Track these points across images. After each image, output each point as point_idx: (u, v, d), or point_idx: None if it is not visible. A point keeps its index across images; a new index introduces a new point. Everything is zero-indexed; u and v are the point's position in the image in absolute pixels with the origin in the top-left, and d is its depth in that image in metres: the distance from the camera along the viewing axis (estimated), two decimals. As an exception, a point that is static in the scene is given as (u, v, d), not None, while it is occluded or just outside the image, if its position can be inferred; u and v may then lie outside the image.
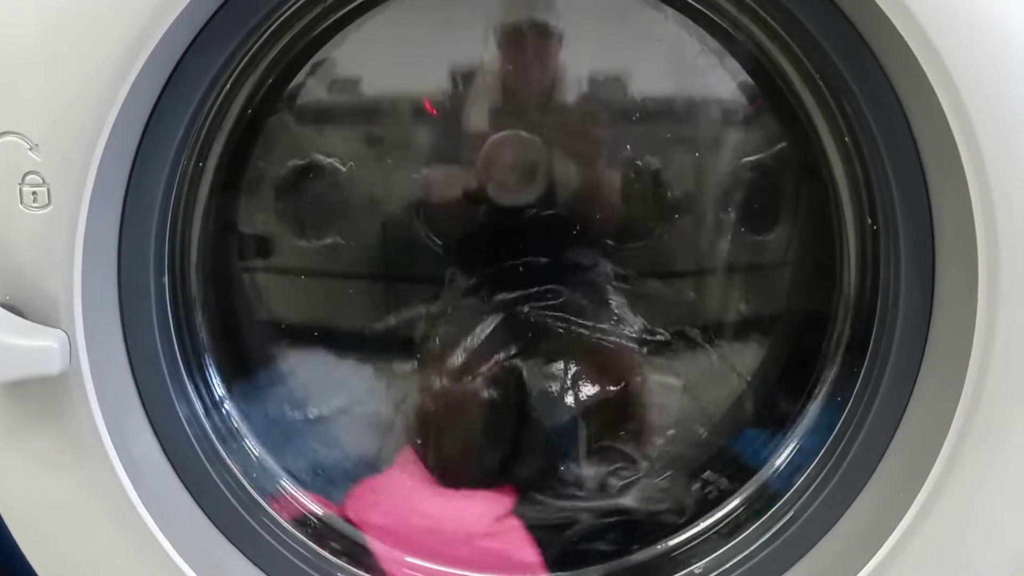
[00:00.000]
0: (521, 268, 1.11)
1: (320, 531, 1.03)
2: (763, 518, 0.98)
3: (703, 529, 1.04)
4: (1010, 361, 0.79)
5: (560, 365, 1.13)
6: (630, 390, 1.12)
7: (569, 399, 1.13)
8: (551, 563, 1.04)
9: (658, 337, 1.11)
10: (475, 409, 1.12)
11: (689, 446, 1.12)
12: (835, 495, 0.92)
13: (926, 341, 0.87)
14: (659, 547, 1.05)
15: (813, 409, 1.02)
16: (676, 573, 1.01)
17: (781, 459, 1.03)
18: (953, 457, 0.81)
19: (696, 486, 1.08)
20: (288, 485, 1.04)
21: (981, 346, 0.79)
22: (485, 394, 1.12)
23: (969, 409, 0.80)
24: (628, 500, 1.09)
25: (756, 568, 0.95)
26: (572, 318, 1.11)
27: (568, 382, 1.13)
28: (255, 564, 0.93)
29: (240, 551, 0.92)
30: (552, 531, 1.08)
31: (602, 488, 1.10)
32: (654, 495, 1.09)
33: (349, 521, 1.05)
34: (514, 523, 1.06)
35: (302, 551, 0.96)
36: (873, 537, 0.86)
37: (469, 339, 1.11)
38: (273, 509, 0.98)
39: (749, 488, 1.04)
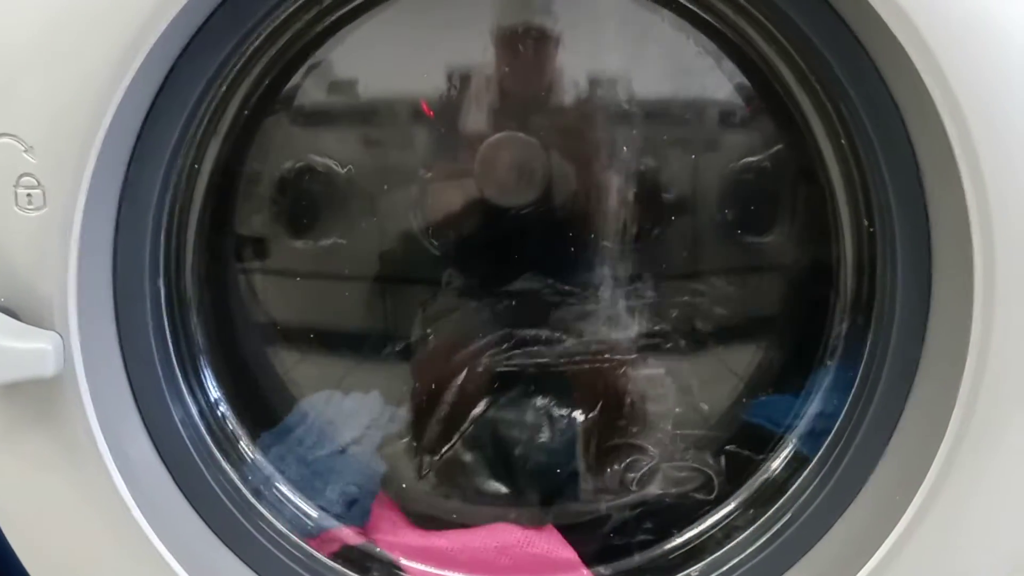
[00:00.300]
0: (518, 269, 1.11)
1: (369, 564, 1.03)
2: (760, 521, 0.98)
3: (699, 532, 1.04)
4: (1006, 363, 0.79)
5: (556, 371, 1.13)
6: (623, 388, 1.12)
7: (564, 408, 1.13)
8: (589, 559, 1.04)
9: (655, 339, 1.11)
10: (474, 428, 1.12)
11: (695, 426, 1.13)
12: (832, 498, 0.91)
13: (922, 343, 0.87)
14: (656, 551, 1.05)
15: (809, 411, 1.02)
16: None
17: (778, 461, 1.03)
18: (950, 459, 0.81)
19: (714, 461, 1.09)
20: (284, 488, 1.04)
21: (977, 348, 0.79)
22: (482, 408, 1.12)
23: (966, 411, 0.80)
24: (651, 489, 1.09)
25: (753, 571, 0.95)
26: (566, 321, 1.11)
27: (562, 390, 1.13)
28: (250, 567, 0.92)
29: (235, 553, 0.92)
30: (585, 529, 1.08)
31: (621, 484, 1.10)
32: (675, 479, 1.09)
33: (378, 544, 1.04)
34: (547, 527, 1.06)
35: (297, 554, 0.96)
36: (870, 540, 0.86)
37: (463, 349, 1.11)
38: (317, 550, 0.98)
39: (746, 491, 1.04)
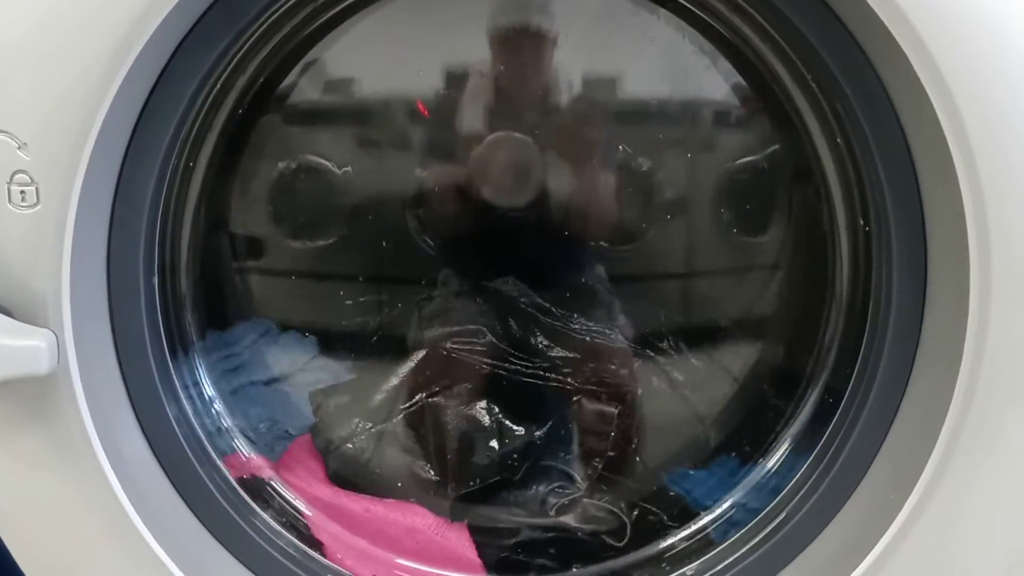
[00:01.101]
0: (514, 269, 1.11)
1: (269, 499, 1.02)
2: (754, 520, 0.97)
3: (693, 532, 1.04)
4: (1001, 363, 0.79)
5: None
6: (573, 414, 1.13)
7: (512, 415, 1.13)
8: (489, 567, 1.04)
9: (650, 339, 1.11)
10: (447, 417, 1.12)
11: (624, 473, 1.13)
12: (826, 497, 0.91)
13: (918, 342, 0.87)
14: (650, 551, 1.05)
15: (805, 410, 1.02)
16: (668, 576, 1.01)
17: (772, 461, 1.03)
18: (945, 459, 0.81)
19: (636, 514, 1.09)
20: (279, 487, 1.03)
21: (973, 347, 0.79)
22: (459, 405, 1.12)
23: (961, 411, 0.80)
24: (567, 519, 1.09)
25: (746, 571, 0.94)
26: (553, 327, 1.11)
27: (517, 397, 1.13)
28: (244, 565, 0.92)
29: (229, 552, 0.92)
30: (494, 536, 1.08)
31: (541, 505, 1.10)
32: (592, 516, 1.09)
33: (289, 486, 1.04)
34: (460, 525, 1.06)
35: (292, 552, 0.96)
36: (864, 539, 0.86)
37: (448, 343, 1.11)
38: (226, 469, 0.97)
39: (740, 491, 1.04)
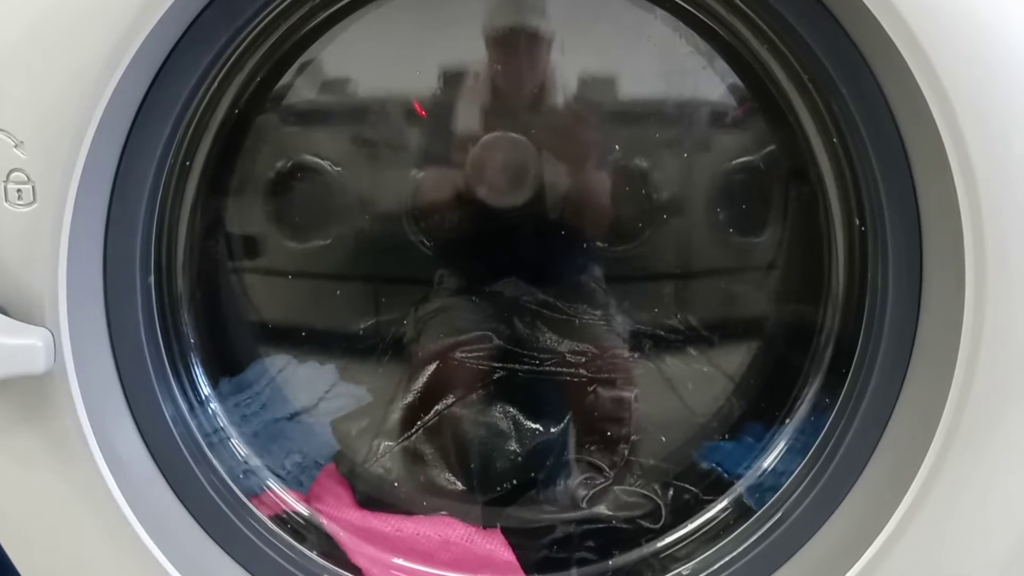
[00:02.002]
0: (510, 269, 1.11)
1: (305, 532, 1.02)
2: (751, 520, 0.97)
3: (690, 531, 1.04)
4: (997, 362, 0.79)
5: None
6: (590, 405, 1.13)
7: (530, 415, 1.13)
8: (528, 567, 1.04)
9: (646, 339, 1.11)
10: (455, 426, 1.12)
11: (671, 450, 1.13)
12: (823, 497, 0.91)
13: (913, 341, 0.87)
14: (646, 550, 1.05)
15: (801, 410, 1.02)
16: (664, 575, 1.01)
17: (769, 460, 1.03)
18: (941, 457, 0.81)
19: (670, 493, 1.09)
20: (274, 485, 1.03)
21: (968, 346, 0.79)
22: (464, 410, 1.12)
23: (957, 409, 0.80)
24: (600, 508, 1.09)
25: (743, 570, 0.94)
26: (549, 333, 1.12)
27: (532, 397, 1.13)
28: (240, 564, 0.92)
29: (225, 551, 0.92)
30: (530, 536, 1.08)
31: (572, 499, 1.10)
32: (625, 503, 1.09)
33: (320, 515, 1.04)
34: (493, 530, 1.06)
35: (287, 551, 0.96)
36: (861, 539, 0.86)
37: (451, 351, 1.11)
38: (258, 508, 0.97)
39: (736, 490, 1.04)
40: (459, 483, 1.11)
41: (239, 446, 1.03)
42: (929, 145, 0.77)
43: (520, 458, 1.11)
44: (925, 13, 0.74)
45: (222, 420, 1.02)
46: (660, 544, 1.05)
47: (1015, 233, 0.76)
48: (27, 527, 0.85)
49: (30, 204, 0.76)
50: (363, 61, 1.06)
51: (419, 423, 1.11)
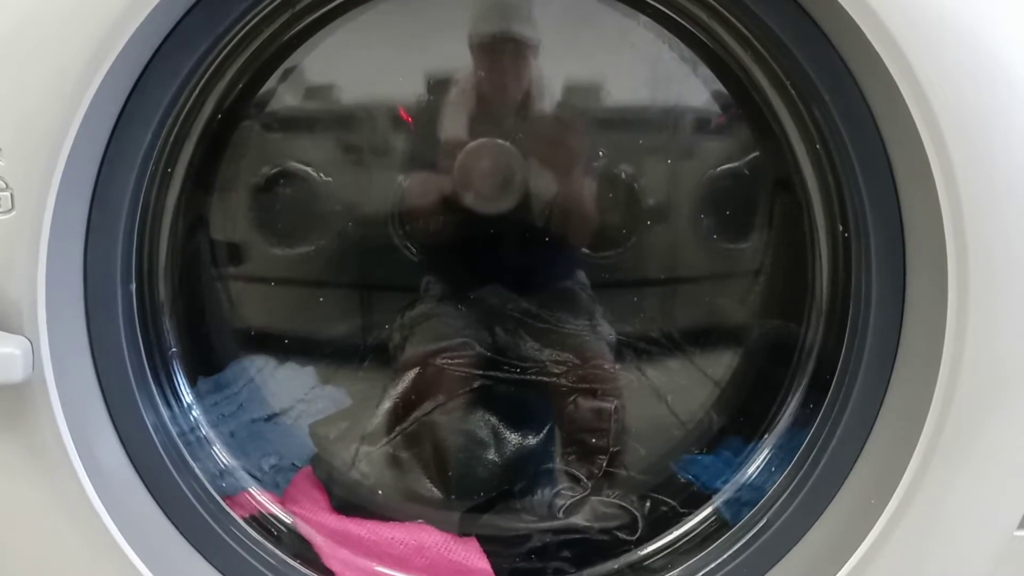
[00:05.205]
0: (496, 276, 1.11)
1: (287, 539, 1.01)
2: (735, 527, 0.97)
3: (675, 538, 1.04)
4: (979, 368, 0.79)
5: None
6: (570, 415, 1.12)
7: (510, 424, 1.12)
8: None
9: (632, 344, 1.11)
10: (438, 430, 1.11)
11: (650, 462, 1.13)
12: (807, 503, 0.91)
13: (897, 348, 0.87)
14: (623, 561, 1.04)
15: (783, 420, 1.02)
16: (649, 582, 1.01)
17: (753, 467, 1.03)
18: (924, 463, 0.82)
19: (647, 505, 1.08)
20: (256, 492, 1.03)
21: (951, 353, 0.79)
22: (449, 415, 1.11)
23: (940, 415, 0.80)
24: (577, 519, 1.09)
25: (728, 576, 0.95)
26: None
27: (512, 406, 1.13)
28: (221, 572, 0.91)
29: (207, 560, 0.91)
30: (505, 545, 1.07)
31: (549, 509, 1.10)
32: (602, 513, 1.09)
33: (296, 517, 1.03)
34: (469, 538, 1.05)
35: (269, 560, 0.95)
36: (845, 544, 0.86)
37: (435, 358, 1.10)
38: (233, 510, 0.97)
39: (721, 497, 1.03)
40: (437, 490, 1.11)
41: (220, 452, 1.02)
42: (912, 152, 0.77)
43: (499, 466, 1.11)
44: (907, 21, 0.74)
45: (203, 428, 1.01)
46: (638, 555, 1.04)
47: (997, 240, 0.77)
48: (5, 536, 0.84)
49: (8, 212, 0.75)
50: (348, 67, 1.06)
51: (398, 429, 1.10)
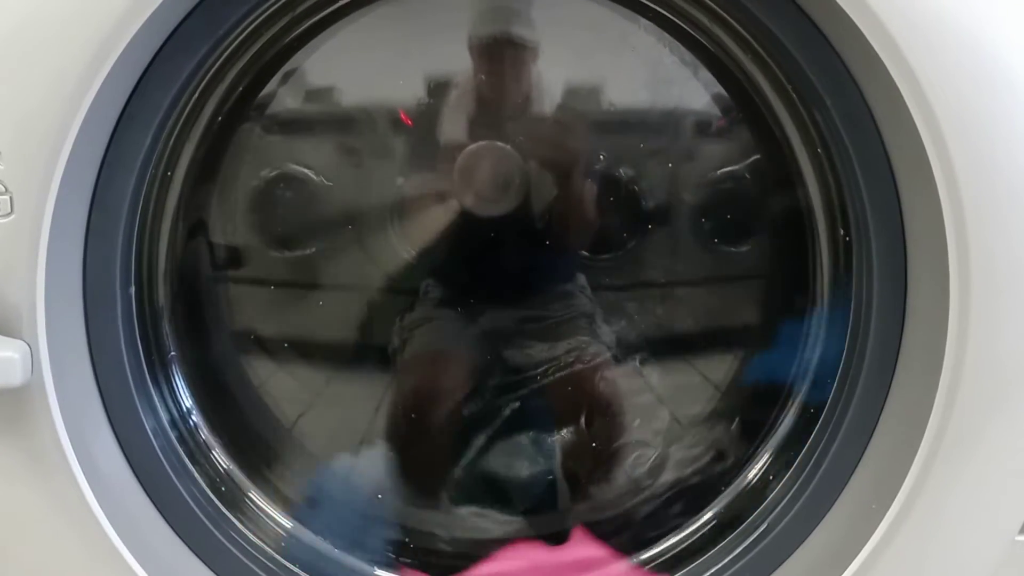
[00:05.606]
0: (495, 279, 1.11)
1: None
2: (735, 532, 0.97)
3: (673, 544, 1.03)
4: (981, 372, 0.79)
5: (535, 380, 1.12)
6: (605, 391, 1.12)
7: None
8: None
9: (632, 349, 1.11)
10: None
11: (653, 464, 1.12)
12: (808, 507, 0.91)
13: (898, 352, 0.87)
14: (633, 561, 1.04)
15: (785, 421, 1.02)
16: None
17: (754, 471, 1.03)
18: (925, 468, 0.81)
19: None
20: (257, 499, 1.03)
21: (953, 356, 0.79)
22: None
23: (941, 420, 0.80)
24: (665, 476, 1.09)
25: (729, 582, 0.94)
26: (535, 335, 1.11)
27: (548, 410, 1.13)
28: (220, 577, 0.92)
29: (207, 565, 0.91)
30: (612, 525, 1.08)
31: (634, 481, 1.10)
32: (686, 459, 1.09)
33: None
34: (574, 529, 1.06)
35: (270, 565, 0.95)
36: (846, 549, 0.86)
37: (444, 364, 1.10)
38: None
39: (721, 502, 1.03)
40: (517, 511, 1.11)
41: (219, 456, 1.02)
42: (913, 155, 0.77)
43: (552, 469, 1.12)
44: (908, 24, 0.74)
45: (204, 432, 1.01)
46: (641, 558, 1.04)
47: (999, 243, 0.77)
48: (4, 542, 0.84)
49: (7, 215, 0.75)
50: (348, 70, 1.06)
51: (398, 430, 1.10)
